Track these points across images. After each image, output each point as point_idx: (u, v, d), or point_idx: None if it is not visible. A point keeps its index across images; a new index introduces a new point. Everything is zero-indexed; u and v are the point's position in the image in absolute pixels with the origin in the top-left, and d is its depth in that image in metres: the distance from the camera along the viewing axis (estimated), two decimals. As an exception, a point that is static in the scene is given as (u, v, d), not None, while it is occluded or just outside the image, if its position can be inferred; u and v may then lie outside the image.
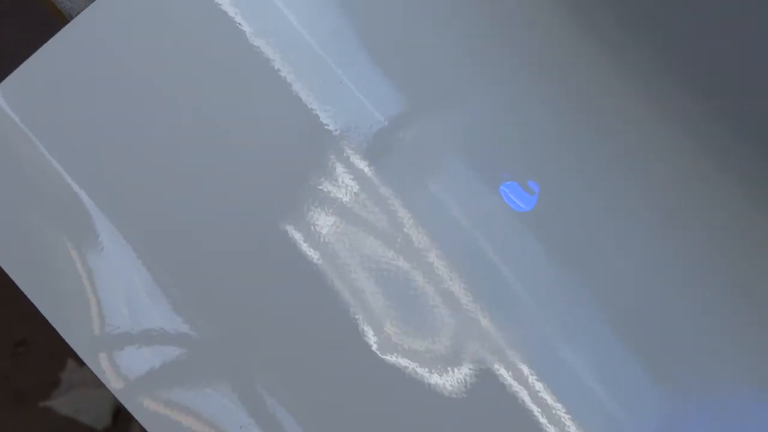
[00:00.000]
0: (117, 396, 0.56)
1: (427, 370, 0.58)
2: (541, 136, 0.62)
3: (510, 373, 0.58)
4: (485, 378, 0.58)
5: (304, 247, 0.59)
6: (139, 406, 0.56)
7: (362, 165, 0.61)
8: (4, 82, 0.60)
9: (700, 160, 0.62)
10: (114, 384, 0.56)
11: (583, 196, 0.61)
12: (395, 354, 0.58)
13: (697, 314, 0.59)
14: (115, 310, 0.58)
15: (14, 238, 0.58)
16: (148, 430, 0.55)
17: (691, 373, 0.58)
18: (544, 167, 0.61)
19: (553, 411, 0.57)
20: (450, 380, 0.58)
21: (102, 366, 0.57)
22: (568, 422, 0.57)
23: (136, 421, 0.56)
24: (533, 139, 0.62)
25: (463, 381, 0.58)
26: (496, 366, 0.58)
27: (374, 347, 0.58)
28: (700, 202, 0.61)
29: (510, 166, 0.61)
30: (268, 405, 0.57)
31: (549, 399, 0.57)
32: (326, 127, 0.61)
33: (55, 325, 0.56)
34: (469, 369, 0.58)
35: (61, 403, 1.25)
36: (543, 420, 0.57)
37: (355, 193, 0.60)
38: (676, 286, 0.60)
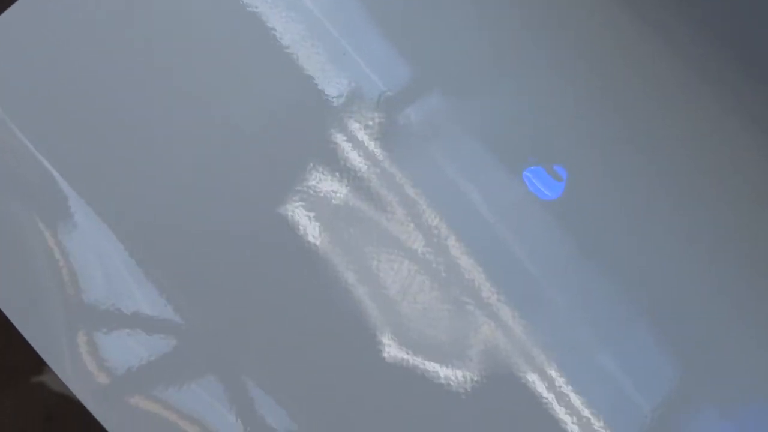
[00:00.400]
0: (83, 400, 0.52)
1: (439, 367, 0.53)
2: (568, 115, 0.57)
3: (537, 374, 0.54)
4: (506, 381, 0.54)
5: (303, 234, 0.55)
6: (111, 411, 0.52)
7: (369, 144, 0.56)
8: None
9: (742, 144, 0.58)
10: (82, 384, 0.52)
11: (616, 182, 0.57)
12: (405, 354, 0.54)
13: (737, 310, 0.56)
14: (93, 296, 0.53)
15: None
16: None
17: (729, 378, 0.55)
18: (573, 150, 0.57)
19: (582, 415, 0.53)
20: (465, 381, 0.53)
21: (69, 362, 0.53)
22: (599, 427, 0.53)
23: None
24: (560, 119, 0.57)
25: (480, 383, 0.53)
26: (520, 369, 0.54)
27: (381, 346, 0.53)
28: (741, 188, 0.58)
29: (535, 149, 0.56)
30: (257, 404, 0.53)
31: (578, 402, 0.53)
32: (329, 101, 0.56)
33: (17, 325, 0.52)
34: (486, 372, 0.54)
35: (54, 379, 1.24)
36: (572, 424, 0.53)
37: (360, 176, 0.56)
38: (715, 280, 0.56)
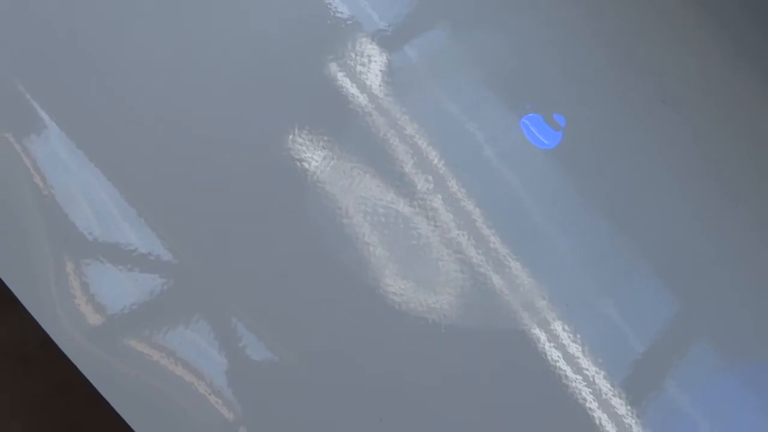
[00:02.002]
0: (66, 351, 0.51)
1: (436, 314, 0.52)
2: (572, 63, 0.56)
3: (534, 320, 0.53)
4: (503, 325, 0.53)
5: (299, 174, 0.53)
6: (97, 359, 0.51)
7: (367, 84, 0.54)
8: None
9: (744, 86, 0.56)
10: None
11: (616, 133, 0.55)
12: (402, 301, 0.52)
13: (739, 259, 0.55)
14: (78, 233, 0.52)
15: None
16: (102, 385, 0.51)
17: (732, 327, 0.54)
18: (574, 98, 0.55)
19: (587, 369, 0.52)
20: (463, 329, 0.52)
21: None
22: (602, 381, 0.53)
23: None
24: (563, 66, 0.56)
25: (478, 331, 0.52)
26: (518, 314, 0.53)
27: (377, 294, 0.52)
28: (741, 129, 0.57)
29: (534, 96, 0.55)
30: (246, 343, 0.52)
31: (576, 347, 0.52)
32: (328, 39, 0.54)
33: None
34: (483, 320, 0.53)
35: (53, 308, 1.22)
36: (576, 381, 0.52)
37: (358, 116, 0.54)
38: (725, 233, 0.55)
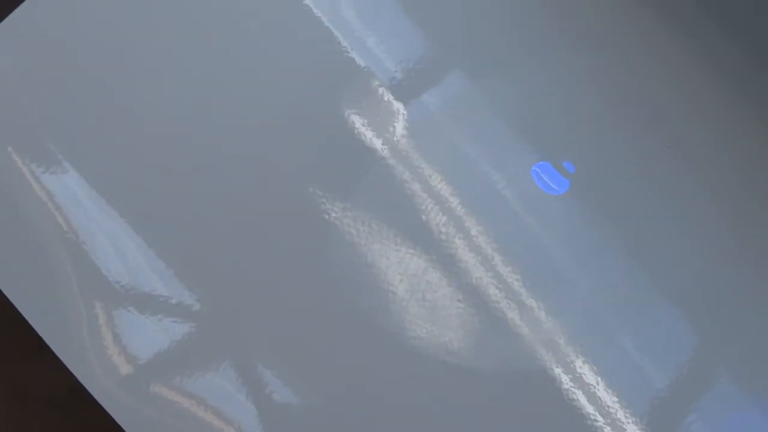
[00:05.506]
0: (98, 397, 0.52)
1: (457, 355, 0.54)
2: (580, 111, 0.57)
3: (554, 359, 0.54)
4: (528, 375, 0.54)
5: (318, 224, 0.55)
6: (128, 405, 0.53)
7: (383, 133, 0.56)
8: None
9: (753, 133, 0.57)
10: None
11: (623, 177, 0.57)
12: (421, 342, 0.54)
13: (754, 292, 0.56)
14: (107, 281, 0.53)
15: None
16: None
17: (753, 358, 0.55)
18: (582, 146, 0.56)
19: (609, 407, 0.53)
20: (482, 370, 0.53)
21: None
22: (624, 415, 0.53)
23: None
24: (571, 114, 0.57)
25: (496, 371, 0.53)
26: (536, 353, 0.54)
27: (395, 337, 0.54)
28: (753, 175, 0.57)
29: (544, 143, 0.56)
30: (272, 389, 0.53)
31: (600, 388, 0.53)
32: (339, 85, 0.56)
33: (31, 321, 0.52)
34: (501, 361, 0.54)
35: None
36: (597, 417, 0.53)
37: (376, 163, 0.55)
38: (735, 265, 0.56)
